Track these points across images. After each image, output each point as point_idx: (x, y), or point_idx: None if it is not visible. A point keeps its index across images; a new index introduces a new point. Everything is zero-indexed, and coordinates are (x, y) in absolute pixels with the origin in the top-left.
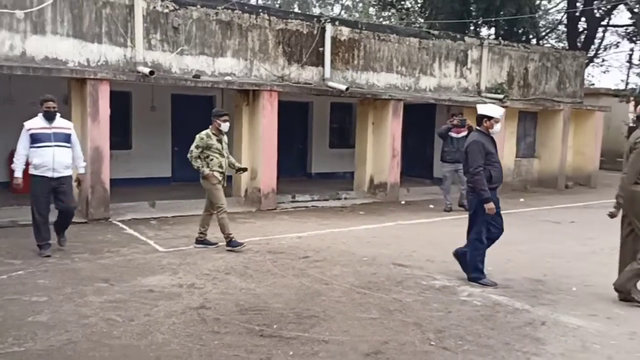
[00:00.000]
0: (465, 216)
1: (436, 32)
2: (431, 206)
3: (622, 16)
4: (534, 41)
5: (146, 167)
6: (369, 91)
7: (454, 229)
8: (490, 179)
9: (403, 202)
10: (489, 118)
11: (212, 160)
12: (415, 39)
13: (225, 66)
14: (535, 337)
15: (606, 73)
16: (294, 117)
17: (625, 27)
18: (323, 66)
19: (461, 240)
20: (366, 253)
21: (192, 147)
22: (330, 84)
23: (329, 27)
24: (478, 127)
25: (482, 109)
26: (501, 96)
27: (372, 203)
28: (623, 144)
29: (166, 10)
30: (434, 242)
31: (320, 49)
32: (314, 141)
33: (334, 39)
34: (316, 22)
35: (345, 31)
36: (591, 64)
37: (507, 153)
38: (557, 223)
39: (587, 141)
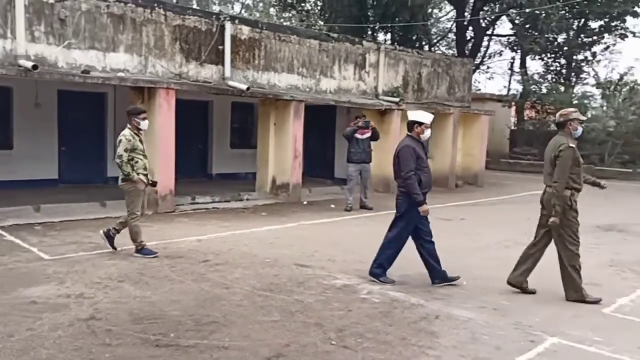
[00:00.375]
0: (365, 215)
1: (335, 35)
2: (332, 206)
3: (504, 26)
4: (426, 48)
5: (30, 169)
6: (271, 91)
7: (355, 228)
8: (420, 184)
9: (305, 203)
10: (420, 124)
11: (137, 162)
12: (315, 41)
13: (118, 62)
14: (429, 330)
15: (491, 79)
16: (193, 116)
17: (507, 37)
18: (223, 65)
19: (362, 240)
20: (268, 254)
21: (121, 151)
22: (231, 83)
23: (228, 25)
24: (409, 133)
25: (413, 115)
26: (397, 99)
27: (274, 204)
28: (506, 146)
29: (51, 1)
30: (336, 241)
31: (220, 47)
32: (215, 141)
33: (234, 38)
34: (215, 19)
35: (246, 30)
36: (478, 71)
37: None
38: (448, 220)
39: (474, 143)
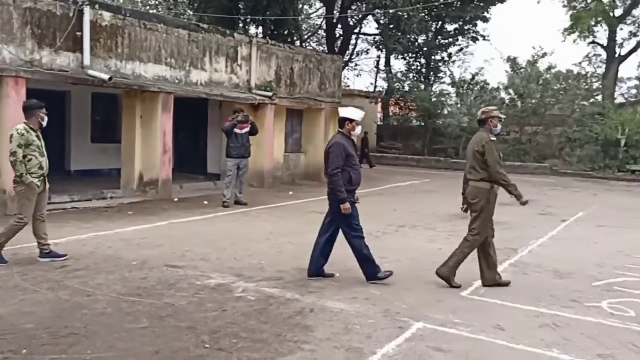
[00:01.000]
0: (240, 211)
1: (206, 26)
2: (206, 202)
3: (371, 26)
4: (298, 43)
5: None
6: (136, 82)
7: (230, 224)
8: (350, 181)
9: (176, 200)
10: (351, 121)
11: (30, 161)
12: (184, 31)
13: None
14: (305, 325)
15: (359, 76)
16: (48, 108)
17: (373, 36)
18: (82, 53)
19: (237, 236)
20: (135, 257)
21: (15, 148)
22: (91, 72)
23: (87, 11)
24: (340, 130)
25: (344, 112)
26: (270, 94)
27: (142, 202)
28: (374, 141)
29: None
30: (209, 240)
31: (79, 33)
32: (74, 135)
33: (94, 24)
34: (72, 3)
35: (107, 16)
36: (347, 68)
37: (277, 149)
38: (322, 213)
39: None
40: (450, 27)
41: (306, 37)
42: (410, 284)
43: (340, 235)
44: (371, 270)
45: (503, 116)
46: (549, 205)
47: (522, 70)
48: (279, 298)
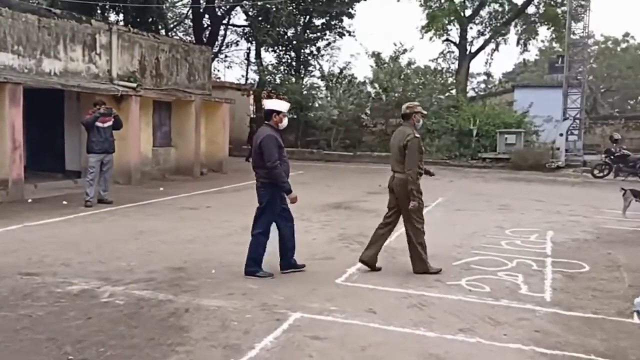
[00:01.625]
0: (104, 210)
1: (58, 11)
2: (65, 202)
3: (240, 17)
4: (163, 32)
5: None
6: None
7: (93, 225)
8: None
9: (30, 200)
10: (278, 112)
11: None
12: (33, 16)
13: None
14: (179, 326)
15: (229, 68)
16: None
17: (242, 28)
18: None
19: (102, 238)
20: None
21: None
22: None
23: None
24: (267, 122)
25: (270, 104)
26: (134, 85)
27: None
28: (247, 133)
29: None
30: (71, 242)
31: None
32: None
33: None
34: None
35: None
36: (216, 59)
37: (144, 142)
38: (194, 209)
39: (217, 131)
40: (317, 22)
41: (172, 26)
42: (287, 275)
43: (217, 231)
44: (254, 267)
45: (425, 112)
46: None
47: (386, 65)
48: (150, 300)
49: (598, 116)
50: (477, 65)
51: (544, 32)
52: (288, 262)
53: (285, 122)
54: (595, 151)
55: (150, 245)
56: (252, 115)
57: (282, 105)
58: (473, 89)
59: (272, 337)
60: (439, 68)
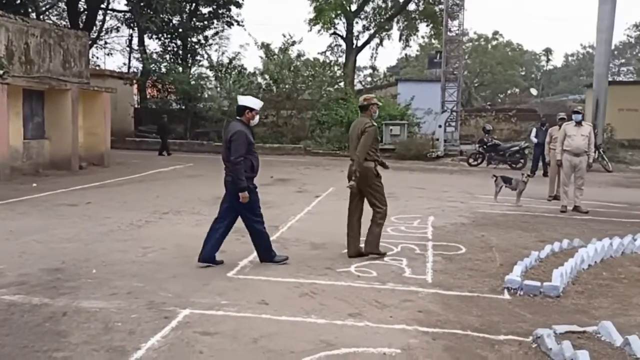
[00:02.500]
0: None
1: None
2: None
3: (120, 2)
4: (33, 15)
5: None
6: None
7: None
8: (252, 168)
9: None
10: (251, 109)
11: None
12: None
13: None
14: (56, 331)
15: (110, 55)
16: None
17: (123, 13)
18: None
19: None
20: None
21: None
22: None
23: None
24: (239, 117)
25: (243, 101)
26: (0, 72)
27: None
28: (131, 124)
29: None
30: None
31: None
32: None
33: None
34: None
35: None
36: (95, 46)
37: (13, 135)
38: (73, 206)
39: (97, 121)
40: (204, 10)
41: (43, 9)
42: (176, 270)
43: (99, 229)
44: (267, 255)
45: (380, 103)
46: (305, 183)
47: (275, 56)
48: (23, 305)
49: (472, 109)
50: (363, 59)
51: (424, 29)
52: (210, 256)
53: (256, 119)
54: (470, 141)
55: (22, 245)
56: (136, 106)
57: (255, 103)
58: (360, 82)
59: (160, 336)
60: (328, 61)
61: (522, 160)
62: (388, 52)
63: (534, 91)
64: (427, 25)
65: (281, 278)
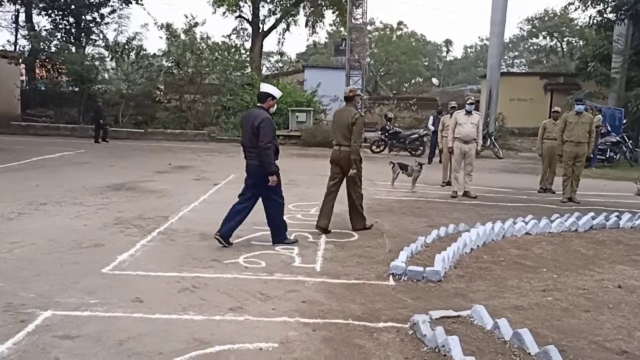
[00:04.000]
0: None
1: None
2: None
3: None
4: None
5: None
6: None
7: None
8: (277, 152)
9: None
10: (273, 97)
11: None
12: None
13: None
14: None
15: None
16: None
17: None
18: None
19: None
20: None
21: None
22: None
23: None
24: (260, 104)
25: (266, 88)
26: None
27: None
28: (17, 107)
29: None
30: None
31: None
32: None
33: None
34: None
35: None
36: None
37: None
38: None
39: None
40: None
41: None
42: (44, 268)
43: None
44: (281, 237)
45: (365, 96)
46: (204, 170)
47: (177, 38)
48: None
49: (378, 97)
50: (271, 44)
51: (331, 16)
52: (228, 232)
53: (275, 107)
54: (375, 129)
55: None
56: (23, 87)
57: (277, 91)
58: (267, 67)
59: (11, 343)
60: (233, 44)
61: (421, 147)
62: (297, 38)
63: (435, 81)
64: (333, 12)
65: (162, 272)
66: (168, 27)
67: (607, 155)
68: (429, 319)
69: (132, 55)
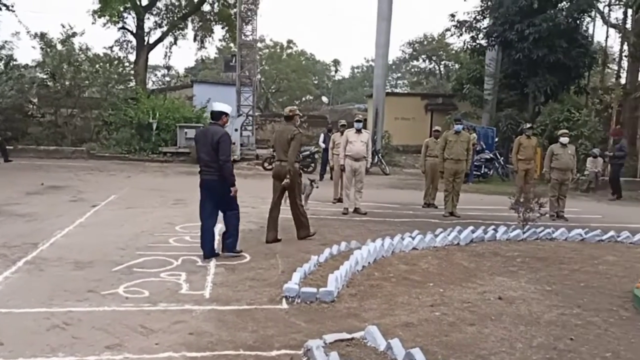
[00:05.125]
0: None
1: None
2: None
3: None
4: None
5: None
6: None
7: None
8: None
9: None
10: (227, 114)
11: None
12: None
13: None
14: None
15: None
16: None
17: None
18: None
19: None
20: None
21: None
22: None
23: None
24: (216, 122)
25: (219, 107)
26: None
27: None
28: None
29: None
30: None
31: None
32: None
33: None
34: None
35: None
36: None
37: None
38: None
39: None
40: None
41: None
42: None
43: None
44: (232, 246)
45: (299, 114)
46: (82, 191)
47: (53, 48)
48: None
49: (269, 113)
50: (158, 58)
51: (220, 32)
52: (212, 254)
53: (228, 123)
54: (267, 145)
55: None
56: None
57: (229, 108)
58: (154, 82)
59: None
60: (115, 57)
61: (312, 164)
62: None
63: (325, 99)
64: (223, 28)
65: (28, 308)
66: (42, 36)
67: (482, 171)
68: (323, 344)
69: (1, 65)
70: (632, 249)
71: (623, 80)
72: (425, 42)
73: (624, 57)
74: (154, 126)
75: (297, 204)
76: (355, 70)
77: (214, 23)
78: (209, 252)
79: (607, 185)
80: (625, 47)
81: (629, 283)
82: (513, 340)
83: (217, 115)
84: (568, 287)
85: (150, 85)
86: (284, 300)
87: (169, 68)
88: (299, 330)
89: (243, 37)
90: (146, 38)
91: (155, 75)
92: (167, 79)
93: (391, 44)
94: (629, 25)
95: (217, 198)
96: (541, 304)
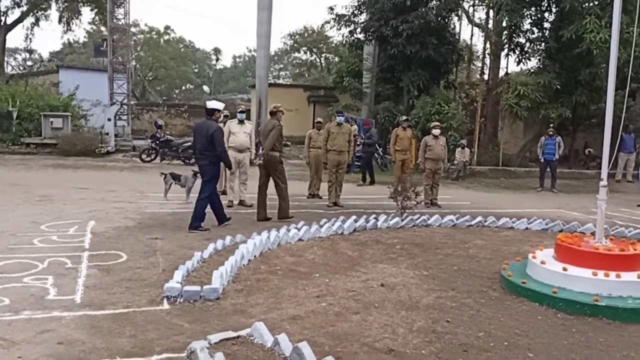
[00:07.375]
0: None
1: None
2: None
3: None
4: None
5: None
6: None
7: None
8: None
9: None
10: (219, 110)
11: None
12: None
13: None
14: None
15: None
16: None
17: None
18: None
19: None
20: None
21: None
22: None
23: None
24: (210, 117)
25: (212, 104)
26: None
27: None
28: None
29: None
30: None
31: None
32: None
33: None
34: None
35: None
36: None
37: None
38: None
39: None
40: None
41: None
42: None
43: None
44: (199, 222)
45: (282, 110)
46: None
47: None
48: None
49: (146, 103)
50: (17, 40)
51: (89, 14)
52: (223, 218)
53: (221, 117)
54: (144, 136)
55: None
56: None
57: (221, 105)
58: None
59: None
60: None
61: (194, 156)
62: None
63: (206, 88)
64: (92, 10)
65: None
66: None
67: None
68: (208, 345)
69: None
70: (497, 232)
71: (486, 77)
72: (306, 34)
73: (486, 55)
74: (14, 115)
75: (280, 188)
76: (237, 60)
77: (81, 4)
78: (221, 217)
79: (476, 174)
80: (488, 45)
81: (496, 265)
82: (395, 326)
83: (211, 112)
84: (443, 270)
85: (9, 70)
86: (165, 300)
87: (30, 52)
88: (182, 332)
89: (114, 20)
90: (2, 18)
91: (15, 59)
92: (29, 63)
93: (273, 34)
94: (491, 25)
95: (208, 178)
96: (420, 288)
